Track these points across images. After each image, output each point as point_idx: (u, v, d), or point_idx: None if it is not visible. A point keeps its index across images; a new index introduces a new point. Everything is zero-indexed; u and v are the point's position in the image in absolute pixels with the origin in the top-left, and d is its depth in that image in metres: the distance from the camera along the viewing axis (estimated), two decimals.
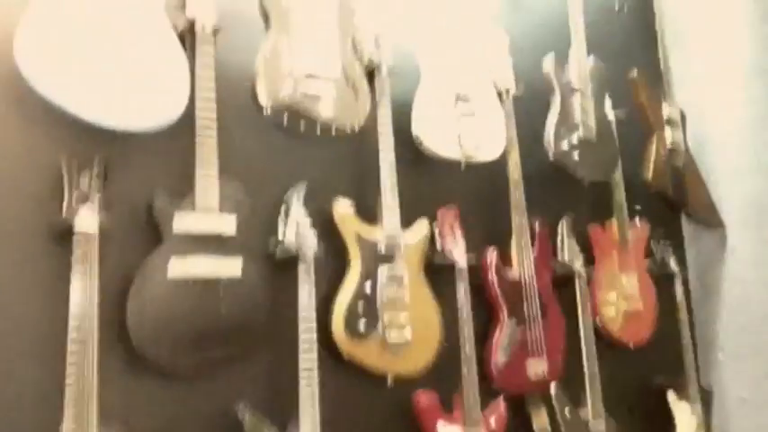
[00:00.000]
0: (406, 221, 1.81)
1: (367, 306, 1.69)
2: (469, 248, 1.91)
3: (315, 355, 1.55)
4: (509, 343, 1.91)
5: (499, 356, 1.89)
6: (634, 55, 2.50)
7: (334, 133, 1.67)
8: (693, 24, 2.60)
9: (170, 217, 1.47)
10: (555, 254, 2.13)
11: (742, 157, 2.45)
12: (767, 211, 2.37)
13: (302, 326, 1.55)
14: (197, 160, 1.50)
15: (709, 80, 2.55)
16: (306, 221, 1.63)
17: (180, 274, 1.45)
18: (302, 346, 1.55)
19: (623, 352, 2.23)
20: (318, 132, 1.64)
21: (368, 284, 1.70)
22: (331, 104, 1.67)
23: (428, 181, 1.96)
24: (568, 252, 2.13)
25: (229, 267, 1.50)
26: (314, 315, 1.57)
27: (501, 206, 2.03)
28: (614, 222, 2.28)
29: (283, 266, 1.62)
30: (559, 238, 2.15)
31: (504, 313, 1.93)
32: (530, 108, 2.14)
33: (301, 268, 1.58)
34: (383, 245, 1.74)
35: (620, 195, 2.27)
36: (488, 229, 2.05)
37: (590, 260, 2.20)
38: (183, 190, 1.51)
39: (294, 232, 1.61)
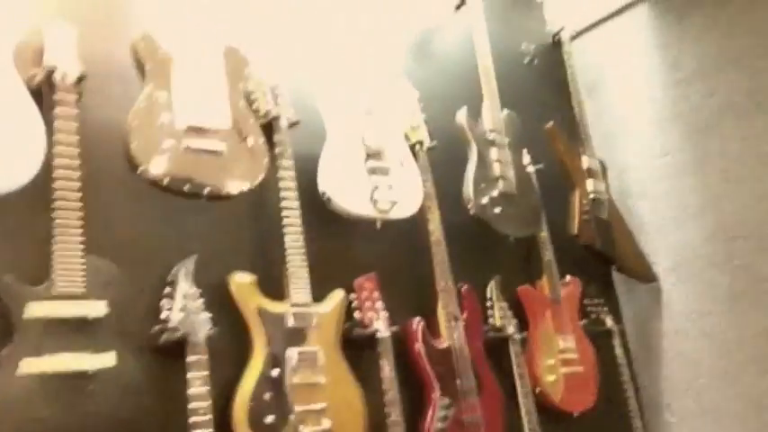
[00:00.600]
0: (319, 292, 1.60)
1: (275, 395, 1.44)
2: (392, 319, 1.71)
3: None
4: (443, 426, 1.69)
5: None
6: (549, 107, 2.42)
7: (224, 194, 1.45)
8: (605, 75, 2.57)
9: (20, 305, 1.20)
10: (486, 319, 1.95)
11: (667, 206, 2.37)
12: (699, 260, 2.28)
13: (192, 419, 1.29)
14: (54, 235, 1.24)
15: (625, 130, 2.50)
16: (196, 300, 1.39)
17: (35, 371, 1.18)
18: None
19: (567, 421, 2.04)
20: (206, 193, 1.43)
21: (275, 368, 1.45)
22: (221, 161, 1.46)
23: (341, 245, 1.76)
24: (500, 316, 1.95)
25: (99, 359, 1.24)
26: (207, 407, 1.31)
27: (423, 269, 1.84)
28: (544, 281, 2.12)
29: (171, 353, 1.36)
30: (489, 301, 1.97)
31: (435, 391, 1.71)
32: (448, 163, 2.00)
33: (190, 353, 1.33)
34: (291, 319, 1.50)
35: (548, 252, 2.13)
36: (412, 295, 1.85)
37: (523, 324, 2.03)
38: (41, 272, 1.25)
39: (181, 313, 1.36)
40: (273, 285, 1.54)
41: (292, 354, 1.48)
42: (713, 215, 2.25)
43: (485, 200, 1.92)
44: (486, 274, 1.99)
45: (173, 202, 1.45)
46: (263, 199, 1.59)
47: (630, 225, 2.41)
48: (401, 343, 1.74)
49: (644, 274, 2.37)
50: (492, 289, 1.98)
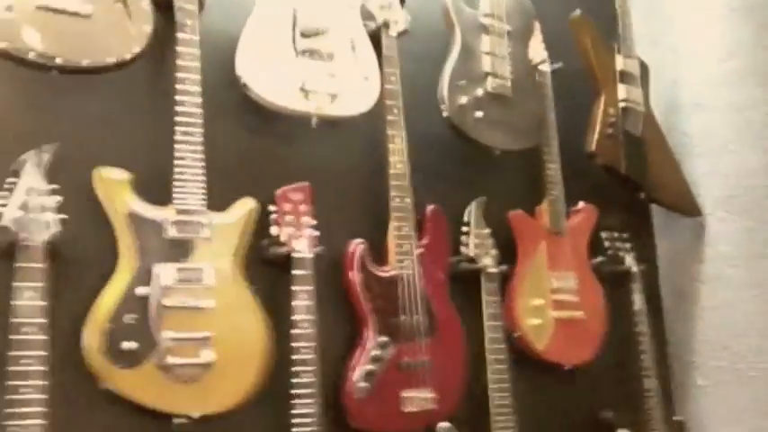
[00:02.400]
0: (231, 203, 1.33)
1: (141, 317, 1.19)
2: (332, 241, 1.42)
3: (39, 383, 1.06)
4: (374, 368, 1.39)
5: (357, 384, 1.37)
6: None
7: (85, 65, 1.17)
8: None
9: None
10: (459, 248, 1.61)
11: (723, 123, 1.88)
12: (756, 191, 1.81)
13: (16, 337, 1.07)
14: None
15: (681, 26, 1.99)
16: (43, 196, 1.14)
17: None
18: (18, 370, 1.06)
19: (556, 377, 1.69)
20: (56, 65, 1.15)
21: (143, 286, 1.20)
22: (83, 26, 1.18)
23: (267, 146, 1.46)
24: (476, 245, 1.60)
25: None
26: (39, 326, 1.08)
27: (380, 184, 1.51)
28: (545, 206, 1.74)
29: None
30: (466, 226, 1.62)
31: (369, 327, 1.42)
32: (429, 56, 1.63)
33: (20, 259, 1.10)
34: (172, 228, 1.24)
35: (551, 170, 1.73)
36: (361, 214, 1.54)
37: (513, 258, 1.68)
38: None
39: (19, 211, 1.12)
40: (165, 191, 1.27)
41: (167, 270, 1.21)
42: None
43: (462, 99, 1.54)
44: (473, 196, 1.64)
45: (25, 76, 1.19)
46: (157, 80, 1.31)
47: (675, 144, 1.95)
48: (339, 269, 1.45)
49: (685, 205, 1.92)
50: (471, 212, 1.62)
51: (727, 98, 1.88)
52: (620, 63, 1.83)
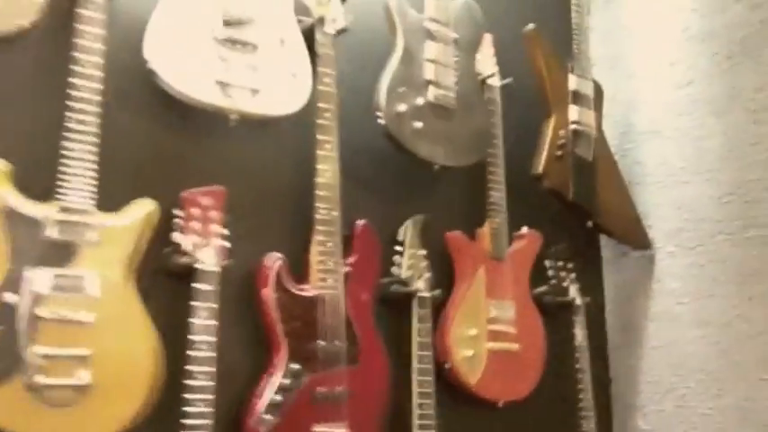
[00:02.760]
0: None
1: (9, 329, 1.03)
2: (246, 254, 1.28)
3: None
4: (284, 398, 1.24)
5: (260, 417, 1.22)
6: (539, 6, 1.87)
7: None
8: None
9: None
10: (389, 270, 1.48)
11: (678, 152, 1.80)
12: (707, 225, 1.72)
13: None
14: None
15: (640, 48, 1.91)
16: None
17: None
18: None
19: (488, 414, 1.56)
20: None
21: (12, 293, 1.04)
22: None
23: (181, 143, 1.31)
24: (408, 266, 1.48)
25: None
26: None
27: (306, 193, 1.37)
28: (486, 229, 1.62)
29: None
30: (400, 246, 1.49)
31: (281, 352, 1.27)
32: (369, 56, 1.51)
33: None
34: (53, 228, 1.08)
35: (495, 190, 1.62)
36: (283, 226, 1.40)
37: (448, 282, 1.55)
38: None
39: None
40: (52, 186, 1.11)
41: (42, 276, 1.06)
42: (733, 169, 1.68)
43: (401, 107, 1.41)
44: (408, 214, 1.51)
45: None
46: (51, 60, 1.16)
47: (627, 172, 1.85)
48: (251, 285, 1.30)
49: (635, 237, 1.82)
50: (406, 230, 1.49)
51: (682, 126, 1.80)
52: (573, 83, 1.73)
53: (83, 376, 1.06)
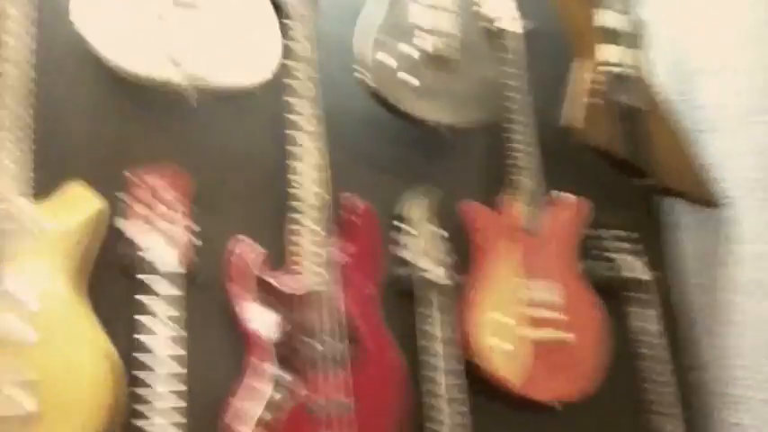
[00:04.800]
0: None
1: None
2: (216, 243, 1.09)
3: None
4: (272, 413, 1.04)
5: (239, 428, 1.02)
6: None
7: None
8: None
9: None
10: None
11: (749, 88, 1.49)
12: None
13: None
14: None
15: None
16: None
17: None
18: None
19: (534, 418, 1.30)
20: None
21: None
22: None
23: (135, 125, 1.14)
24: (417, 247, 1.25)
25: None
26: None
27: (286, 173, 1.17)
28: (512, 197, 1.37)
29: None
30: (406, 226, 1.26)
31: (265, 357, 1.07)
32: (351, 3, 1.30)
33: None
34: None
35: (524, 151, 1.36)
36: (263, 212, 1.20)
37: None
38: None
39: None
40: None
41: None
42: None
43: (386, 57, 1.19)
44: (414, 187, 1.28)
45: None
46: None
47: (686, 121, 1.56)
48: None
49: (703, 195, 1.52)
50: (415, 207, 1.27)
51: (752, 58, 1.49)
52: (609, 19, 1.47)
53: (27, 404, 0.89)
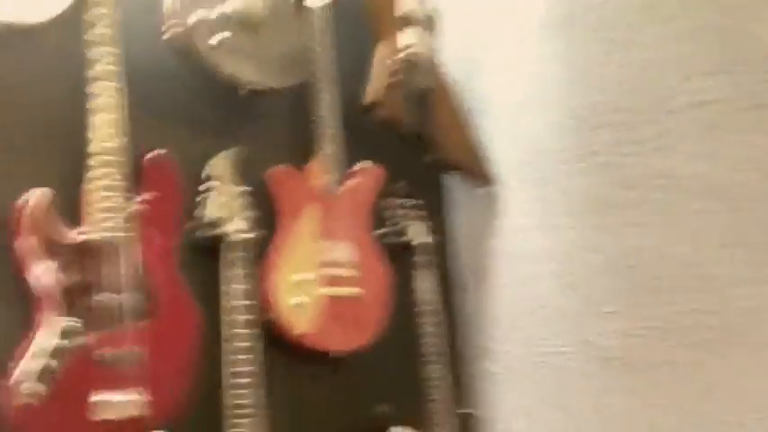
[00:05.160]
0: None
1: None
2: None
3: None
4: (55, 362, 1.03)
5: (23, 386, 1.00)
6: None
7: None
8: None
9: None
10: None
11: (517, 83, 1.70)
12: (551, 155, 1.64)
13: None
14: None
15: None
16: None
17: None
18: None
19: (323, 367, 1.41)
20: None
21: None
22: None
23: None
24: (221, 206, 1.28)
25: None
26: None
27: (80, 119, 1.13)
28: (315, 162, 1.45)
29: None
30: (209, 182, 1.29)
31: (50, 308, 1.04)
32: None
33: None
34: None
35: (325, 117, 1.44)
36: (46, 159, 1.15)
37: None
38: None
39: None
40: None
41: None
42: (577, 94, 1.60)
43: (193, 18, 1.20)
44: (217, 145, 1.31)
45: None
46: None
47: (467, 104, 1.74)
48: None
49: (478, 172, 1.72)
50: (217, 165, 1.29)
51: (522, 54, 1.71)
52: (407, 5, 1.59)
53: None
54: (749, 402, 1.31)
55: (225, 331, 1.22)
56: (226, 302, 1.23)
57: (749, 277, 1.31)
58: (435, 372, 1.55)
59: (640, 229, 1.49)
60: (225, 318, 1.22)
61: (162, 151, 1.20)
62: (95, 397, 1.04)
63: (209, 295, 1.23)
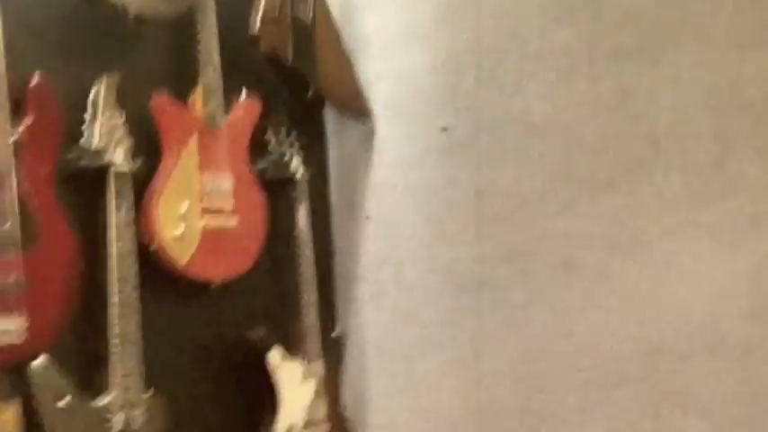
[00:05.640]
0: None
1: None
2: None
3: None
4: None
5: None
6: None
7: None
8: None
9: None
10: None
11: (394, 21, 1.77)
12: (419, 95, 1.74)
13: None
14: None
15: None
16: None
17: None
18: None
19: (203, 296, 1.46)
20: None
21: None
22: None
23: None
24: (101, 135, 1.27)
25: None
26: None
27: None
28: (198, 94, 1.45)
29: None
30: (89, 111, 1.27)
31: None
32: None
33: None
34: None
35: (208, 48, 1.44)
36: None
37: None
38: None
39: None
40: None
41: None
42: (445, 34, 1.68)
43: None
44: (100, 72, 1.27)
45: None
46: None
47: (348, 41, 1.79)
48: None
49: (355, 107, 1.79)
50: (98, 92, 1.27)
51: None
52: None
53: None
54: (576, 314, 1.55)
55: (108, 261, 1.23)
56: (109, 232, 1.24)
57: (586, 211, 1.51)
58: (308, 299, 1.65)
59: (495, 166, 1.65)
60: (109, 247, 1.23)
61: (42, 78, 1.16)
62: None
63: (93, 224, 1.24)
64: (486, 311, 1.69)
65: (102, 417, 1.17)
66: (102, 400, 1.19)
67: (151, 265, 1.33)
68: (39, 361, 1.10)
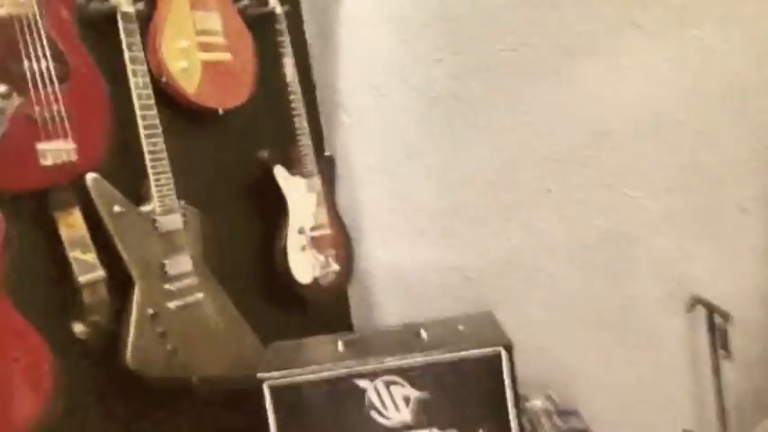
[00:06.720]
0: None
1: None
2: None
3: None
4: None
5: None
6: None
7: None
8: None
9: None
10: None
11: None
12: None
13: None
14: None
15: None
16: None
17: None
18: None
19: (211, 121, 1.67)
20: None
21: None
22: None
23: None
24: None
25: None
26: None
27: None
28: None
29: None
30: None
31: None
32: None
33: None
34: None
35: None
36: None
37: None
38: None
39: None
40: None
41: None
42: None
43: None
44: None
45: None
46: None
47: None
48: None
49: None
50: None
51: None
52: None
53: None
54: (537, 112, 1.82)
55: (133, 92, 1.42)
56: (129, 68, 1.42)
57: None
58: (300, 124, 1.86)
59: None
60: (129, 80, 1.42)
61: None
62: (39, 146, 1.24)
63: (110, 64, 1.41)
64: (458, 122, 1.94)
65: (151, 219, 1.42)
66: (147, 207, 1.43)
67: (165, 95, 1.52)
68: (92, 175, 1.32)
